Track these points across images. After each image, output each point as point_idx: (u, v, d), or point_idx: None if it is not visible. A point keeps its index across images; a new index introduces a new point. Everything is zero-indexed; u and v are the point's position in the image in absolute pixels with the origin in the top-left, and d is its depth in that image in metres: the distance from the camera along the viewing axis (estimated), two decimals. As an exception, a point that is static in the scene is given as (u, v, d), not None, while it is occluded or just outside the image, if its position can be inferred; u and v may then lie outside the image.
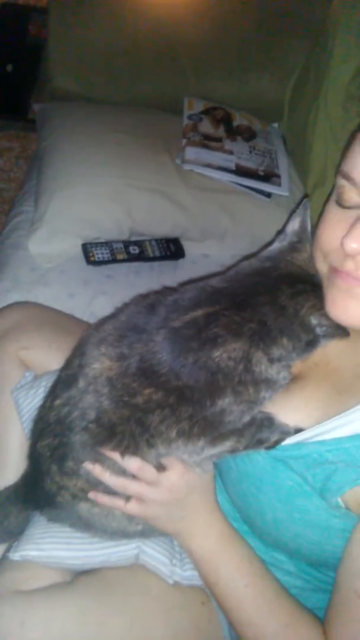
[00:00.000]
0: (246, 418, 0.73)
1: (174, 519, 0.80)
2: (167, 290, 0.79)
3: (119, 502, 0.78)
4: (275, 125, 1.89)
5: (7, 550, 0.90)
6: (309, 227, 0.80)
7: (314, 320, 0.73)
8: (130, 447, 0.73)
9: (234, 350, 0.70)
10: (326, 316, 0.73)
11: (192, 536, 0.81)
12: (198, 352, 0.70)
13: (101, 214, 1.48)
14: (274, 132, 1.82)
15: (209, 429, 0.72)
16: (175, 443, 0.72)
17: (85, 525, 0.84)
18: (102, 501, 0.78)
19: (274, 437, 0.76)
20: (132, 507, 0.78)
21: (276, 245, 0.80)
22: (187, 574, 0.87)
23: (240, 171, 1.60)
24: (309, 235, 0.80)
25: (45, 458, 0.80)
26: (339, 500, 0.71)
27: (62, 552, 0.85)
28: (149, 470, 0.75)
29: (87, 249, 1.45)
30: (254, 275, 0.75)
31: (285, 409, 0.78)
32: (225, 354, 0.70)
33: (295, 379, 0.80)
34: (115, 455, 0.73)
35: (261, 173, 1.62)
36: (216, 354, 0.70)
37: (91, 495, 0.78)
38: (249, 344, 0.70)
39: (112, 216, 1.48)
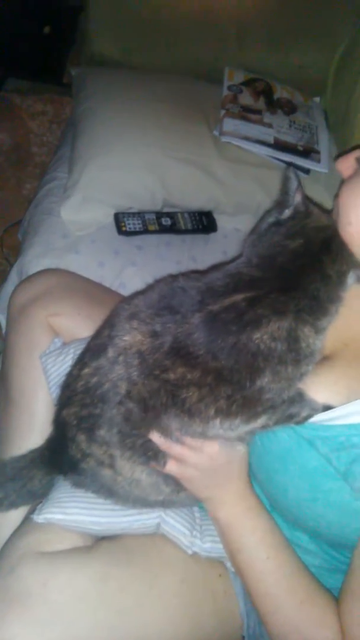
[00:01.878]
0: (285, 395, 0.73)
1: (208, 485, 0.81)
2: (195, 274, 0.79)
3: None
4: (318, 99, 1.84)
5: (31, 512, 0.91)
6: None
7: (350, 280, 0.75)
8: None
9: (277, 329, 0.70)
10: (358, 266, 0.75)
11: (221, 504, 0.82)
12: (238, 334, 0.69)
13: (135, 183, 1.46)
14: (316, 106, 1.78)
15: (247, 407, 0.72)
16: (212, 421, 0.72)
17: (108, 492, 0.85)
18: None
19: (303, 413, 0.76)
20: (171, 467, 0.79)
21: (289, 219, 0.78)
22: (206, 546, 0.87)
23: (279, 145, 1.57)
24: (309, 198, 0.80)
25: (71, 426, 0.80)
26: None
27: (86, 517, 0.86)
28: (193, 441, 0.76)
29: (119, 219, 1.44)
30: (296, 258, 0.74)
31: (315, 387, 0.77)
32: (267, 335, 0.69)
33: (325, 358, 0.80)
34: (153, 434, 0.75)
35: (300, 148, 1.58)
36: (257, 335, 0.69)
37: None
38: (295, 321, 0.70)
39: (145, 186, 1.47)
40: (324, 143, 1.63)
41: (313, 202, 0.81)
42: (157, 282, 0.80)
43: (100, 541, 0.87)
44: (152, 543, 0.88)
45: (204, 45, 1.84)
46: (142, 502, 0.86)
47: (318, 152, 1.59)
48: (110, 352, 0.75)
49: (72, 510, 0.86)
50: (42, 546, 0.83)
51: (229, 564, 0.87)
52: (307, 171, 1.55)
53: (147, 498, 0.84)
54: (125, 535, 0.88)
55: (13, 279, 1.40)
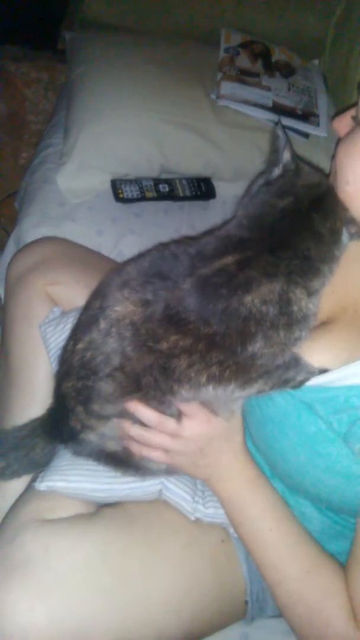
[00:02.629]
0: (279, 361, 0.72)
1: (199, 466, 0.81)
2: (187, 240, 0.77)
3: (146, 450, 0.79)
4: (316, 62, 1.80)
5: (33, 480, 0.91)
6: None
7: (345, 238, 0.73)
8: (157, 397, 0.73)
9: (269, 292, 0.69)
10: (353, 222, 0.73)
11: (218, 481, 0.82)
12: (229, 298, 0.68)
13: (131, 149, 1.44)
14: (314, 69, 1.74)
15: (240, 373, 0.71)
16: (205, 387, 0.71)
17: (109, 462, 0.85)
18: (131, 448, 0.80)
19: (299, 377, 0.75)
20: (159, 456, 0.80)
21: (279, 178, 0.77)
22: (209, 512, 0.87)
23: (278, 109, 1.54)
24: (297, 155, 0.79)
25: (71, 398, 0.80)
26: None
27: (88, 484, 0.86)
28: (169, 423, 0.76)
29: (116, 186, 1.42)
30: (285, 217, 0.73)
31: (312, 351, 0.77)
32: (258, 298, 0.68)
33: (323, 323, 0.79)
34: (137, 408, 0.75)
35: (299, 112, 1.55)
36: (248, 298, 0.68)
37: (124, 442, 0.79)
38: (286, 284, 0.69)
39: (142, 152, 1.44)
40: (323, 106, 1.60)
41: (304, 161, 0.79)
42: (149, 250, 0.78)
43: (102, 508, 0.87)
44: (155, 509, 0.88)
45: (199, 7, 1.80)
46: (144, 471, 0.85)
47: (317, 116, 1.57)
48: (102, 324, 0.74)
49: (73, 478, 0.86)
50: (44, 514, 0.83)
51: (231, 530, 0.87)
52: (306, 135, 1.53)
53: (147, 466, 0.84)
54: (128, 502, 0.88)
55: (10, 248, 1.38)
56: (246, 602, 0.88)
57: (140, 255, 0.78)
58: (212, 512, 0.87)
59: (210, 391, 0.72)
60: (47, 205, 1.40)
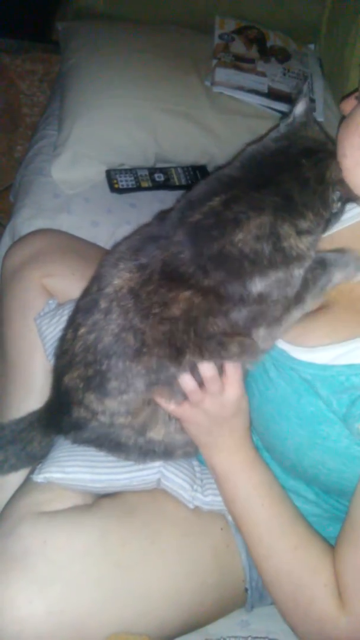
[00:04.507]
0: (291, 292, 0.73)
1: (212, 432, 0.81)
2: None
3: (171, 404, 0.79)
4: (312, 46, 1.79)
5: (31, 472, 0.91)
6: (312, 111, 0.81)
7: (334, 196, 0.74)
8: (195, 356, 0.73)
9: (259, 226, 0.69)
10: (342, 183, 0.74)
11: (219, 451, 0.82)
12: (220, 239, 0.69)
13: (126, 138, 1.43)
14: (310, 54, 1.73)
15: (261, 318, 0.72)
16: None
17: (115, 445, 0.84)
18: (160, 396, 0.78)
19: (337, 275, 0.77)
20: (185, 409, 0.79)
21: (285, 127, 0.79)
22: (207, 499, 0.88)
23: (273, 95, 1.53)
24: (314, 118, 0.80)
25: (78, 389, 0.79)
26: None
27: (85, 475, 0.86)
28: (216, 382, 0.76)
29: (111, 176, 1.41)
30: (273, 156, 0.75)
31: (311, 332, 0.77)
32: (250, 234, 0.69)
33: (320, 307, 0.80)
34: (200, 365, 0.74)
35: (295, 97, 1.53)
36: (240, 236, 0.69)
37: (155, 392, 0.78)
38: (274, 217, 0.69)
39: (137, 141, 1.43)
40: (319, 91, 1.59)
41: (320, 126, 0.80)
42: (141, 225, 0.79)
43: (100, 499, 0.87)
44: (153, 498, 0.88)
45: (193, -6, 1.78)
46: (145, 449, 0.85)
47: (313, 101, 1.55)
48: (102, 304, 0.74)
49: (71, 469, 0.85)
50: (42, 506, 0.83)
51: (230, 518, 0.87)
52: (302, 120, 1.51)
53: (153, 441, 0.83)
54: (126, 492, 0.88)
55: (6, 241, 1.38)
56: (246, 590, 0.88)
57: (133, 232, 0.79)
58: (210, 499, 0.87)
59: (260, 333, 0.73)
60: (42, 197, 1.39)
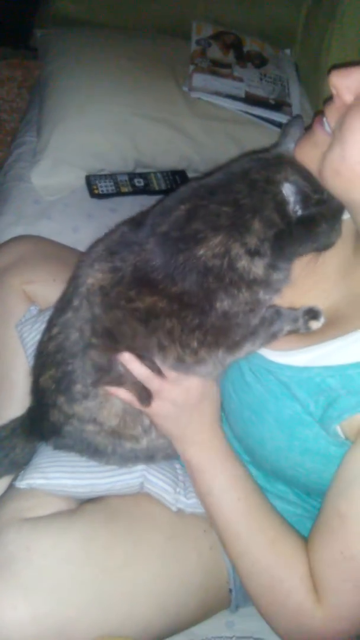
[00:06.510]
0: (254, 321, 0.74)
1: (181, 422, 0.81)
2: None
3: (131, 397, 0.79)
4: (288, 51, 1.80)
5: (14, 479, 0.91)
6: None
7: (286, 190, 0.71)
8: (137, 349, 0.75)
9: (215, 246, 0.70)
10: (298, 182, 0.71)
11: (192, 443, 0.83)
12: (185, 252, 0.70)
13: (105, 144, 1.44)
14: (286, 58, 1.75)
15: (222, 336, 0.73)
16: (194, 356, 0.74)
17: (93, 450, 0.85)
18: (116, 393, 0.79)
19: (287, 327, 0.77)
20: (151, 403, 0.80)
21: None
22: (190, 502, 0.88)
23: (250, 99, 1.54)
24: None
25: (50, 391, 0.80)
26: (338, 428, 0.71)
27: (68, 480, 0.86)
28: (155, 382, 0.77)
29: (90, 182, 1.42)
30: (231, 163, 0.76)
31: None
32: (209, 251, 0.70)
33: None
34: (128, 360, 0.75)
35: (272, 102, 1.56)
36: (200, 252, 0.70)
37: (110, 390, 0.79)
38: (227, 237, 0.70)
39: (116, 147, 1.44)
40: (296, 96, 1.61)
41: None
42: (117, 225, 0.80)
43: (84, 504, 0.87)
44: (136, 502, 0.88)
45: (170, 0, 1.79)
46: (126, 455, 0.85)
47: (290, 105, 1.57)
48: (75, 301, 0.76)
49: (53, 475, 0.86)
50: (25, 512, 0.83)
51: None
52: (279, 125, 1.53)
53: (130, 447, 0.84)
54: (110, 496, 0.88)
55: (-14, 249, 1.37)
56: (230, 591, 0.89)
57: (109, 232, 0.80)
58: (193, 502, 0.88)
59: (202, 355, 0.74)
60: (22, 203, 1.39)
